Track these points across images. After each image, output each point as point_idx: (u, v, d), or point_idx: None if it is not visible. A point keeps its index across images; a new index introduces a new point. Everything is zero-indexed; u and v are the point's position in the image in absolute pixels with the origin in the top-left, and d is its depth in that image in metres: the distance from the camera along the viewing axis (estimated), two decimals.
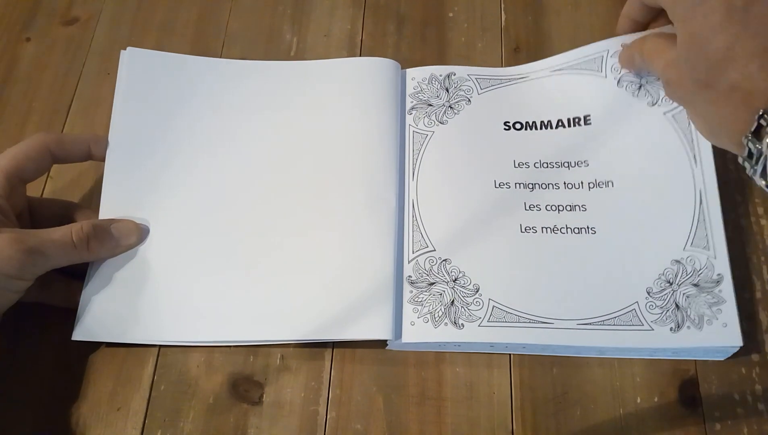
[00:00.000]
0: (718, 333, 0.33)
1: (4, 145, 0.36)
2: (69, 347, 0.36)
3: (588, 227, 0.37)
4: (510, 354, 0.36)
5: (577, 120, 0.40)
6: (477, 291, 0.36)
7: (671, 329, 0.34)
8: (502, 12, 0.47)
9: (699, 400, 0.35)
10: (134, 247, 0.37)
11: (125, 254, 0.37)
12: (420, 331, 0.35)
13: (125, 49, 0.42)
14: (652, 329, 0.34)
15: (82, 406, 0.35)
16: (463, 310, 0.35)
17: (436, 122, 0.41)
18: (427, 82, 0.43)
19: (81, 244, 0.34)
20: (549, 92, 0.41)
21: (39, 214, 0.38)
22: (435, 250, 0.37)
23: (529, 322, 0.35)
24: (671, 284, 0.35)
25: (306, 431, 0.35)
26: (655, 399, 0.35)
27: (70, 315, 0.36)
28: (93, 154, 0.39)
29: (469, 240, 0.37)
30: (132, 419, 0.35)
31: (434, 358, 0.36)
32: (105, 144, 0.39)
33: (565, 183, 0.38)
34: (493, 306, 0.35)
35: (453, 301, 0.35)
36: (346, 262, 0.37)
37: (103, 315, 0.36)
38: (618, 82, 0.39)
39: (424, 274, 0.36)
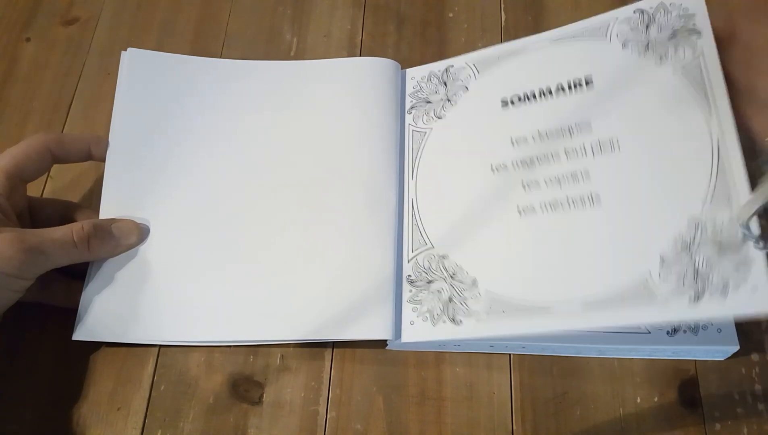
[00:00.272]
0: (748, 299, 0.28)
1: (5, 145, 0.36)
2: (69, 347, 0.36)
3: (591, 196, 0.33)
4: (510, 354, 0.36)
5: (578, 82, 0.36)
6: (474, 284, 0.35)
7: (690, 299, 0.29)
8: (502, 12, 0.47)
9: (699, 400, 0.35)
10: (135, 246, 0.37)
11: (125, 254, 0.37)
12: (419, 330, 0.35)
13: (125, 49, 0.42)
14: (668, 302, 0.29)
15: (82, 406, 0.35)
16: (460, 305, 0.35)
17: (434, 118, 0.41)
18: (426, 80, 0.42)
19: (82, 244, 0.34)
20: (549, 61, 0.38)
21: (39, 214, 0.38)
22: (433, 248, 0.37)
23: (528, 311, 0.32)
24: (689, 248, 0.30)
25: (306, 431, 0.35)
26: (655, 399, 0.35)
27: (70, 315, 0.36)
28: (93, 154, 0.39)
29: (466, 233, 0.36)
30: (132, 419, 0.35)
31: (434, 358, 0.36)
32: (105, 144, 0.39)
33: (566, 151, 0.35)
34: (491, 298, 0.34)
35: (451, 297, 0.35)
36: (346, 262, 0.37)
37: (104, 315, 0.36)
38: (623, 45, 0.36)
39: (423, 273, 0.36)
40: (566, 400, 0.35)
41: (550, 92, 0.37)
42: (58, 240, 0.34)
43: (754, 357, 0.36)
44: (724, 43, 0.32)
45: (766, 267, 0.28)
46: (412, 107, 0.42)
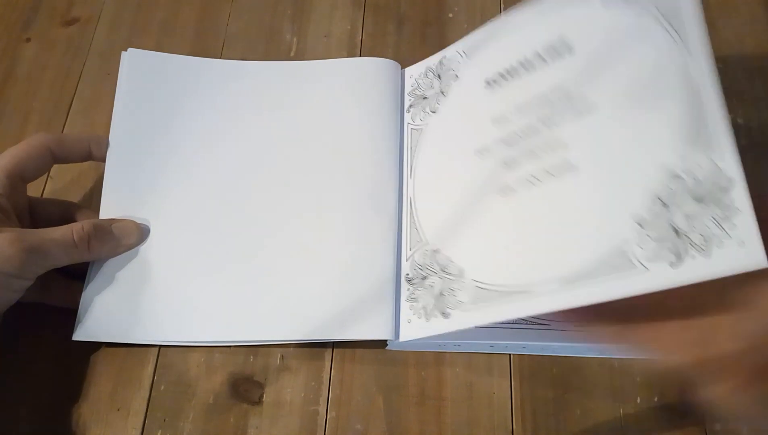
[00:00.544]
0: (734, 255, 0.25)
1: (5, 145, 0.36)
2: (69, 347, 0.36)
3: (570, 165, 0.31)
4: (510, 354, 0.36)
5: (557, 50, 0.34)
6: (462, 275, 0.34)
7: (671, 264, 0.26)
8: (502, 12, 0.47)
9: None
10: (135, 246, 0.37)
11: (126, 255, 0.37)
12: (414, 327, 0.35)
13: (125, 49, 0.42)
14: (647, 269, 0.27)
15: (82, 406, 0.35)
16: (449, 298, 0.34)
17: (429, 113, 0.40)
18: (423, 76, 0.42)
19: (82, 244, 0.34)
20: (530, 32, 0.36)
21: (39, 214, 0.38)
22: (428, 244, 0.36)
23: (509, 295, 0.31)
24: (667, 206, 0.27)
25: (306, 431, 0.35)
26: (655, 399, 0.35)
27: (70, 315, 0.36)
28: (93, 154, 0.39)
29: (455, 224, 0.36)
30: (132, 419, 0.35)
31: (434, 358, 0.36)
32: (105, 144, 0.39)
33: (543, 121, 0.33)
34: (476, 286, 0.33)
35: (441, 291, 0.34)
36: (346, 263, 0.37)
37: (104, 315, 0.36)
38: (604, 4, 0.34)
39: (419, 270, 0.36)
40: (566, 400, 0.35)
41: (531, 64, 0.35)
42: (58, 240, 0.34)
43: None
44: None
45: (753, 217, 0.25)
46: (410, 106, 0.42)
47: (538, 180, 0.32)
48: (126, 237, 0.37)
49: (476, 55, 0.39)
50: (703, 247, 0.26)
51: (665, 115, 0.29)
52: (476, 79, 0.38)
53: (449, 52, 0.41)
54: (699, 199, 0.27)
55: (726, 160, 0.26)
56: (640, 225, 0.28)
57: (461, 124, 0.38)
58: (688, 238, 0.26)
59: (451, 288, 0.34)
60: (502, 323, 0.34)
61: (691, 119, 0.28)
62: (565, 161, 0.32)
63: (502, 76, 0.37)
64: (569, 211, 0.31)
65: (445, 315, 0.34)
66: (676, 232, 0.27)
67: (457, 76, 0.40)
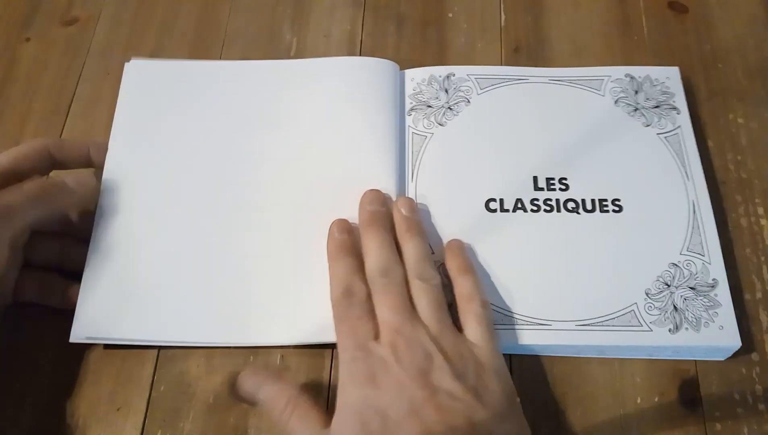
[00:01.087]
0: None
1: (4, 146, 0.36)
2: (68, 347, 0.36)
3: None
4: (510, 354, 0.36)
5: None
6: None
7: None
8: (502, 12, 0.47)
9: (699, 400, 0.35)
10: (95, 192, 0.38)
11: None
12: None
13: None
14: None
15: (81, 406, 0.35)
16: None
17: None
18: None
19: (42, 191, 0.34)
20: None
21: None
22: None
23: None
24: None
25: None
26: (655, 399, 0.35)
27: (69, 316, 0.36)
28: (93, 160, 0.39)
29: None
30: (132, 419, 0.35)
31: None
32: (105, 150, 0.39)
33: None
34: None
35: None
36: None
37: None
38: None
39: None
40: (566, 400, 0.35)
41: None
42: (16, 192, 0.34)
43: (754, 357, 0.36)
44: None
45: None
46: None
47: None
48: (83, 185, 0.37)
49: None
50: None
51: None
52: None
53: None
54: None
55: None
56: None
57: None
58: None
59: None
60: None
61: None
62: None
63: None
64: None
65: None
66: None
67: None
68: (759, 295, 0.37)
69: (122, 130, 0.40)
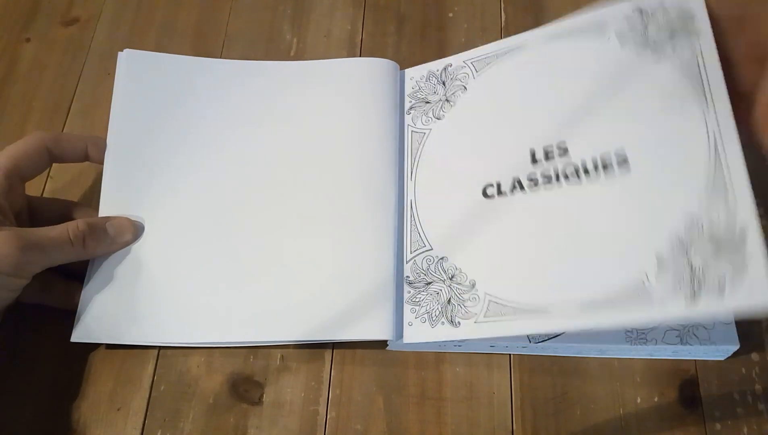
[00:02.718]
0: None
1: (4, 145, 0.36)
2: (69, 348, 0.36)
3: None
4: (510, 354, 0.36)
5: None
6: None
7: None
8: (502, 12, 0.47)
9: (699, 400, 0.35)
10: (130, 244, 0.37)
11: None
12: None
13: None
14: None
15: (81, 406, 0.35)
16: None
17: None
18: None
19: (77, 242, 0.34)
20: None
21: (39, 214, 0.38)
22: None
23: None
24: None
25: (306, 431, 0.35)
26: (655, 399, 0.35)
27: (70, 316, 0.36)
28: (90, 155, 0.39)
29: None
30: (132, 419, 0.35)
31: (434, 359, 0.36)
32: (103, 146, 0.39)
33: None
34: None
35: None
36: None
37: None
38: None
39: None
40: (566, 400, 0.35)
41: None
42: (54, 238, 0.34)
43: (754, 357, 0.36)
44: (731, 31, 0.32)
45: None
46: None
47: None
48: (121, 234, 0.37)
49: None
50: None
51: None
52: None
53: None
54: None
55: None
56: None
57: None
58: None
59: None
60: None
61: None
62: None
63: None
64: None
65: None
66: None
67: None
68: None
69: (121, 126, 0.40)
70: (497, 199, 0.36)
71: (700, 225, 0.29)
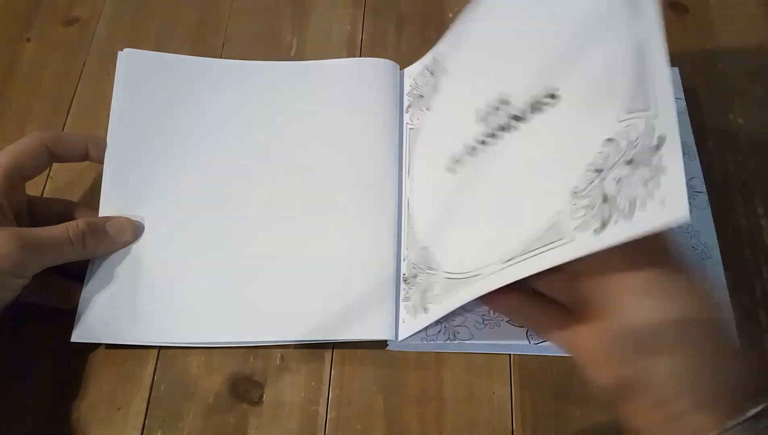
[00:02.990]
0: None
1: (4, 145, 0.36)
2: (69, 347, 0.36)
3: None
4: (510, 354, 0.36)
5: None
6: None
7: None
8: None
9: None
10: (130, 244, 0.37)
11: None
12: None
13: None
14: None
15: (82, 406, 0.35)
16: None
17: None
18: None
19: (77, 241, 0.35)
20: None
21: (39, 214, 0.38)
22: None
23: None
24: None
25: (306, 431, 0.35)
26: None
27: (70, 316, 0.36)
28: (90, 155, 0.39)
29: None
30: (132, 419, 0.35)
31: (434, 359, 0.36)
32: (103, 145, 0.39)
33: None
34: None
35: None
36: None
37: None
38: None
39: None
40: (566, 400, 0.35)
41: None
42: (55, 237, 0.34)
43: (754, 357, 0.36)
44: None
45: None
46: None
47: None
48: (120, 234, 0.37)
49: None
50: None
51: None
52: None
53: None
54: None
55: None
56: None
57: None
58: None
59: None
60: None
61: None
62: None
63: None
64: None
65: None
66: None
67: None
68: (758, 295, 0.37)
69: (121, 126, 0.40)
70: (458, 172, 0.35)
71: (617, 147, 0.26)
